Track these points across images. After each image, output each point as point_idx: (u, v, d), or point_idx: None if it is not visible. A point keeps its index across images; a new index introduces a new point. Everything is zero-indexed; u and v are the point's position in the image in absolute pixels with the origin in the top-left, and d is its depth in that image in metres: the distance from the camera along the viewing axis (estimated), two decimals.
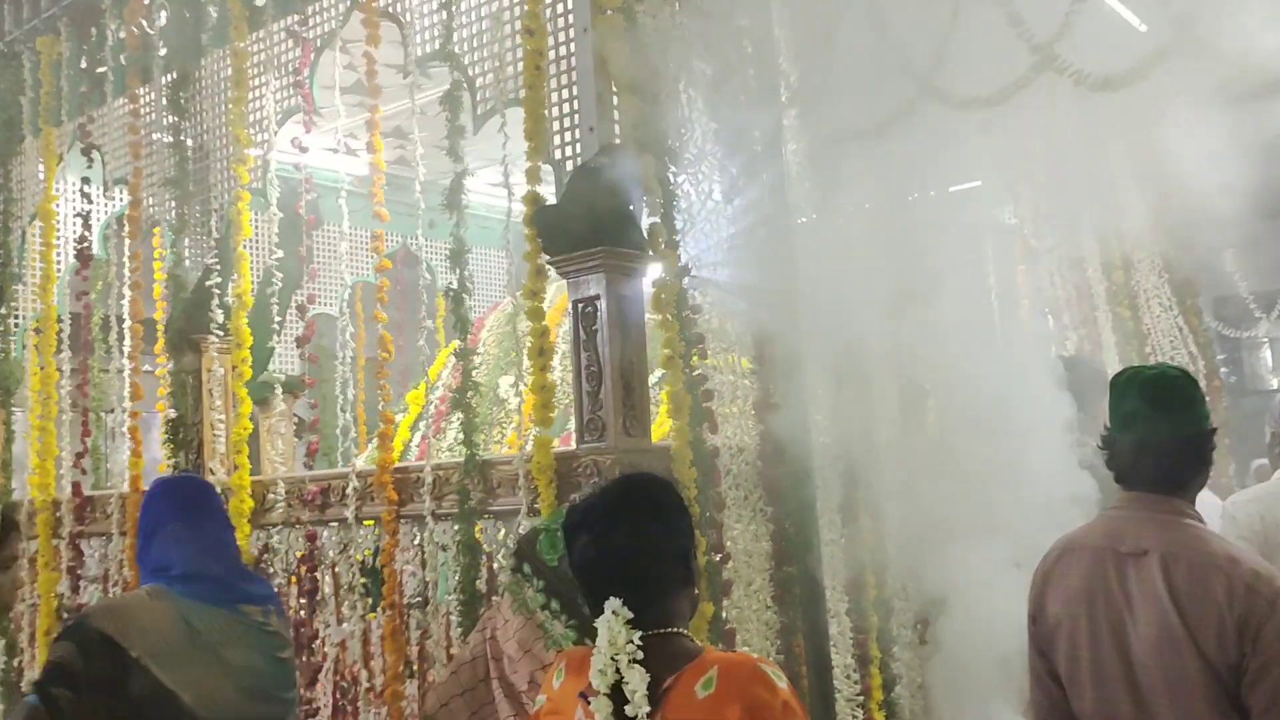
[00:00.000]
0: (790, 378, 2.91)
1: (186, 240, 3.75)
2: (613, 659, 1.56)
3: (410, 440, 4.74)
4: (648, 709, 1.53)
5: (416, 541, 3.05)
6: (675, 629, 1.62)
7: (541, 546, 2.46)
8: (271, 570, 3.42)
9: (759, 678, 1.54)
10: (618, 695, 1.55)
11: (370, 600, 3.14)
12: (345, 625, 3.19)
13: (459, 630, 2.92)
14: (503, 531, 2.87)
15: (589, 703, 1.59)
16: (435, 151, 3.15)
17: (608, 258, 2.68)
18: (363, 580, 3.18)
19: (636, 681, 1.54)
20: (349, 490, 3.15)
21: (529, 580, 2.44)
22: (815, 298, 3.08)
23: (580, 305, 2.72)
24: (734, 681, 1.54)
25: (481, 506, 2.87)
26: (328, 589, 3.25)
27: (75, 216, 4.19)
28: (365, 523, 3.17)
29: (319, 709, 3.19)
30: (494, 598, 2.86)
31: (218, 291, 3.64)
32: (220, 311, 3.63)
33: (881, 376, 3.18)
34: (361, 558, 3.16)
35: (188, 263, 3.76)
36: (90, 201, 4.18)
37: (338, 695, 3.19)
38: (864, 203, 3.07)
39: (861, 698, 3.00)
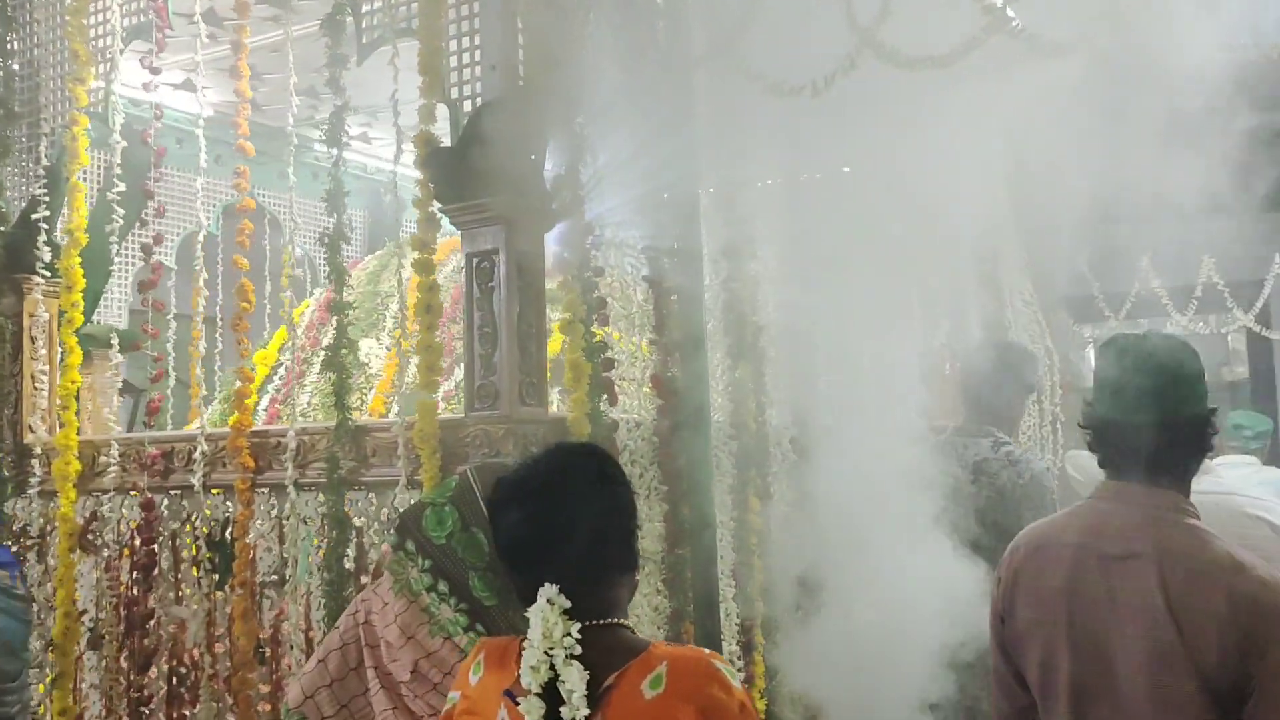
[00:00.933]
0: (691, 351, 2.75)
1: (8, 167, 3.30)
2: (547, 653, 1.36)
3: (257, 404, 4.37)
4: (586, 711, 1.34)
5: (274, 513, 2.76)
6: (616, 619, 1.44)
7: (428, 522, 2.21)
8: (100, 541, 3.05)
9: (713, 675, 1.37)
10: (551, 695, 1.36)
11: (216, 577, 2.83)
12: (186, 605, 2.87)
13: (322, 612, 2.65)
14: (375, 504, 2.61)
15: (516, 703, 1.38)
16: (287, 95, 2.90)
17: (509, 209, 2.46)
18: (208, 555, 2.86)
19: (575, 680, 1.35)
20: (196, 454, 2.82)
21: (413, 559, 2.19)
22: (720, 268, 2.94)
23: (475, 260, 2.48)
24: (686, 680, 1.36)
25: (353, 476, 2.61)
26: (165, 564, 2.91)
27: None
28: (213, 491, 2.86)
29: (151, 695, 2.86)
30: (364, 578, 2.60)
31: (45, 226, 3.21)
32: (48, 249, 3.21)
33: (780, 353, 3.06)
34: (208, 530, 2.84)
35: (9, 193, 3.30)
36: None
37: (174, 681, 2.87)
38: (773, 172, 2.94)
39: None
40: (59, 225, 3.21)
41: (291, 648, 2.69)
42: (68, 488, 3.03)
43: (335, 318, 2.71)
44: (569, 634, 1.37)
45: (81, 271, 3.10)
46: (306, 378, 4.29)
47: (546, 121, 2.51)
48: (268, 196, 5.36)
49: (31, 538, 3.16)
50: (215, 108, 3.66)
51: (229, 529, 2.82)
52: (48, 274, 3.24)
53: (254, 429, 2.80)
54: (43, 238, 3.20)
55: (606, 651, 1.38)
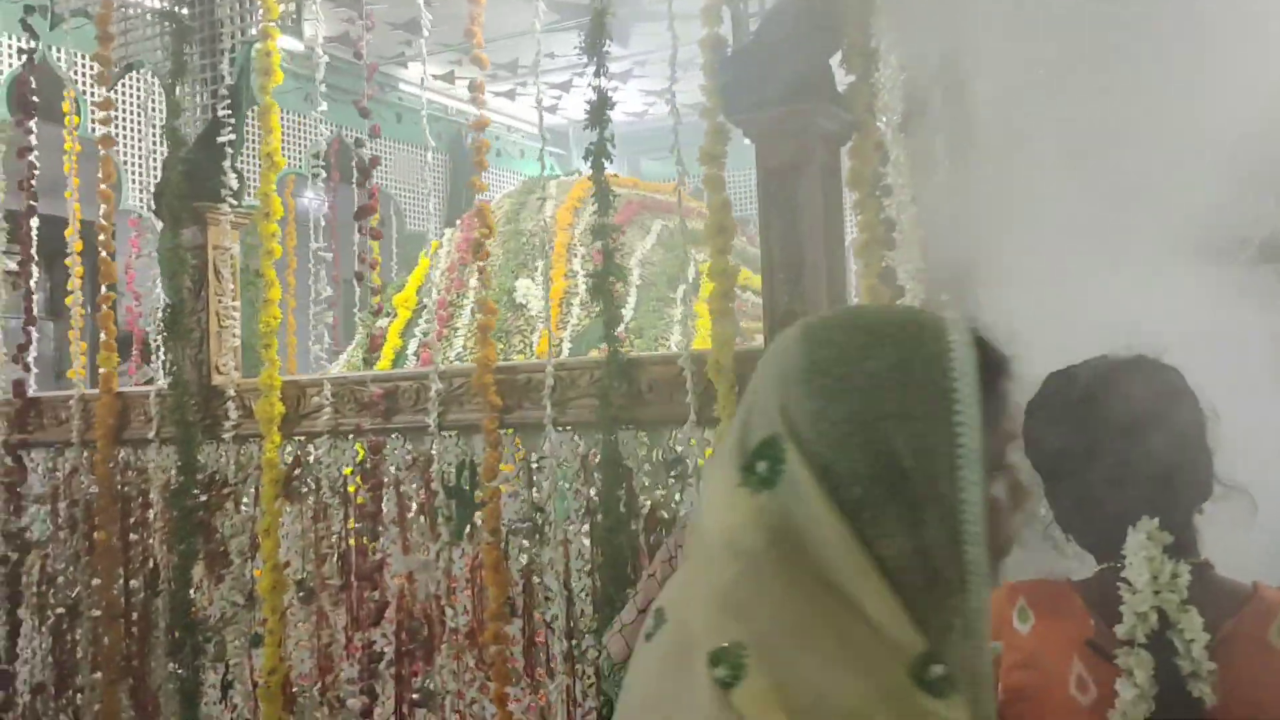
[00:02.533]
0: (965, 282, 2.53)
1: (184, 87, 3.05)
2: (1155, 594, 1.16)
3: (402, 348, 4.16)
4: (1211, 665, 1.14)
5: (522, 456, 2.55)
6: (1204, 558, 1.24)
7: None
8: (305, 489, 2.84)
9: None
10: (1159, 646, 1.16)
11: (452, 525, 2.62)
12: (417, 555, 2.67)
13: (582, 561, 2.45)
14: (648, 444, 2.40)
15: (1102, 655, 1.18)
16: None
17: (809, 119, 2.23)
18: (442, 502, 2.65)
19: (1195, 628, 1.15)
20: (431, 393, 2.60)
21: None
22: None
23: (772, 175, 2.26)
24: None
25: (624, 414, 2.40)
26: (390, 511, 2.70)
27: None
28: (448, 433, 2.64)
29: (383, 653, 2.66)
30: (634, 524, 2.40)
31: (231, 151, 2.97)
32: (234, 176, 2.97)
33: None
34: (443, 474, 2.63)
35: (186, 114, 3.05)
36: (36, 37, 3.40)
37: (404, 638, 2.67)
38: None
39: None
40: (242, 149, 2.98)
41: (545, 599, 2.49)
42: (272, 431, 2.81)
43: (602, 243, 2.46)
44: (1178, 575, 1.16)
45: (279, 199, 2.86)
46: (456, 320, 4.06)
47: (841, 24, 2.27)
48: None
49: (229, 484, 2.94)
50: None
51: (465, 473, 2.61)
52: (234, 203, 3.00)
53: (500, 365, 2.57)
54: (228, 163, 2.96)
55: (1208, 595, 1.19)
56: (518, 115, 7.27)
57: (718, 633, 0.79)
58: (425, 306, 4.19)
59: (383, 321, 4.30)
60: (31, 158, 3.42)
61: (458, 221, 4.78)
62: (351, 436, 2.78)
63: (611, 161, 2.46)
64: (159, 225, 3.05)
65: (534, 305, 3.97)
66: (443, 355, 3.93)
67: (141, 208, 4.52)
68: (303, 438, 2.85)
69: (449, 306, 4.11)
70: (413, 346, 4.08)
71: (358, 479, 2.76)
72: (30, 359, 3.37)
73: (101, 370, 3.15)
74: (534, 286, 4.03)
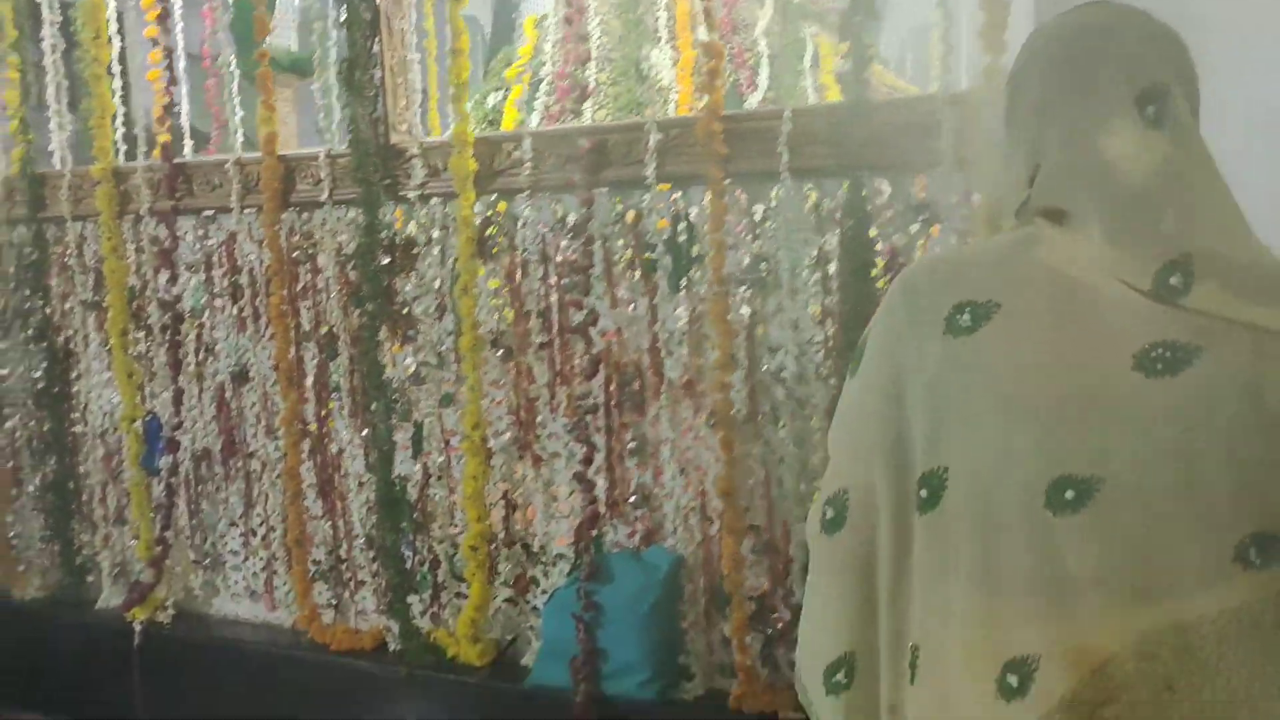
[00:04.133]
0: None
1: None
2: None
3: (522, 121, 4.05)
4: None
5: (746, 207, 2.53)
6: None
7: None
8: (495, 247, 2.82)
9: None
10: None
11: (665, 279, 2.62)
12: (626, 310, 2.67)
13: (813, 307, 2.48)
14: (890, 191, 2.39)
15: None
16: None
17: None
18: (649, 256, 2.64)
19: None
20: (650, 143, 2.55)
21: None
22: None
23: None
24: None
25: (868, 161, 2.37)
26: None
27: None
28: (660, 187, 2.61)
29: (596, 404, 2.71)
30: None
31: None
32: None
33: None
34: (656, 229, 2.61)
35: None
36: None
37: (610, 388, 2.71)
38: None
39: None
40: None
41: (773, 351, 2.52)
42: (467, 189, 2.76)
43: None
44: None
45: None
46: (582, 93, 3.95)
47: None
48: None
49: (417, 245, 2.91)
50: None
51: (682, 225, 2.59)
52: None
53: (727, 113, 2.52)
54: None
55: None
56: None
57: None
58: (542, 80, 4.07)
59: (495, 96, 4.18)
60: None
61: None
62: (549, 193, 2.74)
63: None
64: None
65: (664, 76, 3.87)
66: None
67: None
68: (494, 195, 2.81)
69: (568, 78, 3.99)
70: (535, 121, 3.97)
71: (558, 235, 2.73)
72: (178, 121, 3.26)
73: (262, 131, 3.05)
74: (663, 56, 3.91)
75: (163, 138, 3.23)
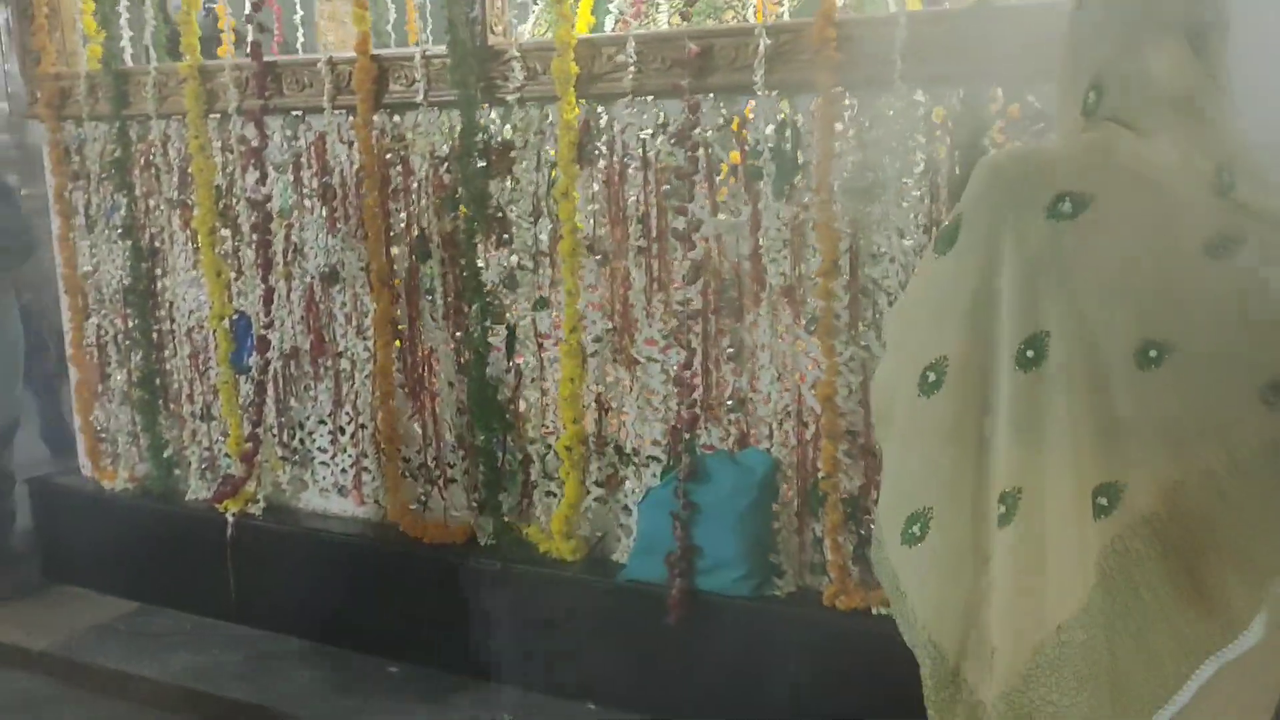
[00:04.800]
0: None
1: None
2: None
3: (596, 25, 4.00)
4: None
5: (856, 114, 2.54)
6: None
7: None
8: (595, 151, 2.83)
9: None
10: None
11: (769, 185, 2.63)
12: (727, 217, 2.70)
13: (919, 218, 2.50)
14: (1001, 100, 2.39)
15: None
16: None
17: None
18: (752, 163, 2.66)
19: None
20: (760, 48, 2.55)
21: None
22: None
23: None
24: None
25: (979, 70, 2.36)
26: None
27: None
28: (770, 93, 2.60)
29: (696, 310, 2.75)
30: None
31: None
32: None
33: None
34: (762, 135, 2.62)
35: None
36: None
37: (708, 293, 2.75)
38: None
39: None
40: None
41: (876, 258, 2.55)
42: (568, 92, 2.77)
43: None
44: None
45: None
46: None
47: None
48: None
49: (515, 148, 2.92)
50: None
51: (787, 131, 2.60)
52: None
53: (842, 19, 2.50)
54: None
55: None
56: None
57: None
58: None
59: None
60: None
61: None
62: (652, 98, 2.74)
63: None
64: None
65: None
66: (646, 31, 3.81)
67: None
68: (591, 99, 2.81)
69: None
70: (609, 24, 3.93)
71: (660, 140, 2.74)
72: (265, 20, 3.25)
73: (358, 30, 3.04)
74: None
75: (252, 37, 3.23)
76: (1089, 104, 1.42)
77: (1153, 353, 1.31)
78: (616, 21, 3.95)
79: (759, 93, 2.58)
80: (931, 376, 1.44)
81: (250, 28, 3.25)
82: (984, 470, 1.43)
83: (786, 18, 3.69)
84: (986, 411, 1.43)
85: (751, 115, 2.64)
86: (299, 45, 4.01)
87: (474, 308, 3.00)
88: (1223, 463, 1.31)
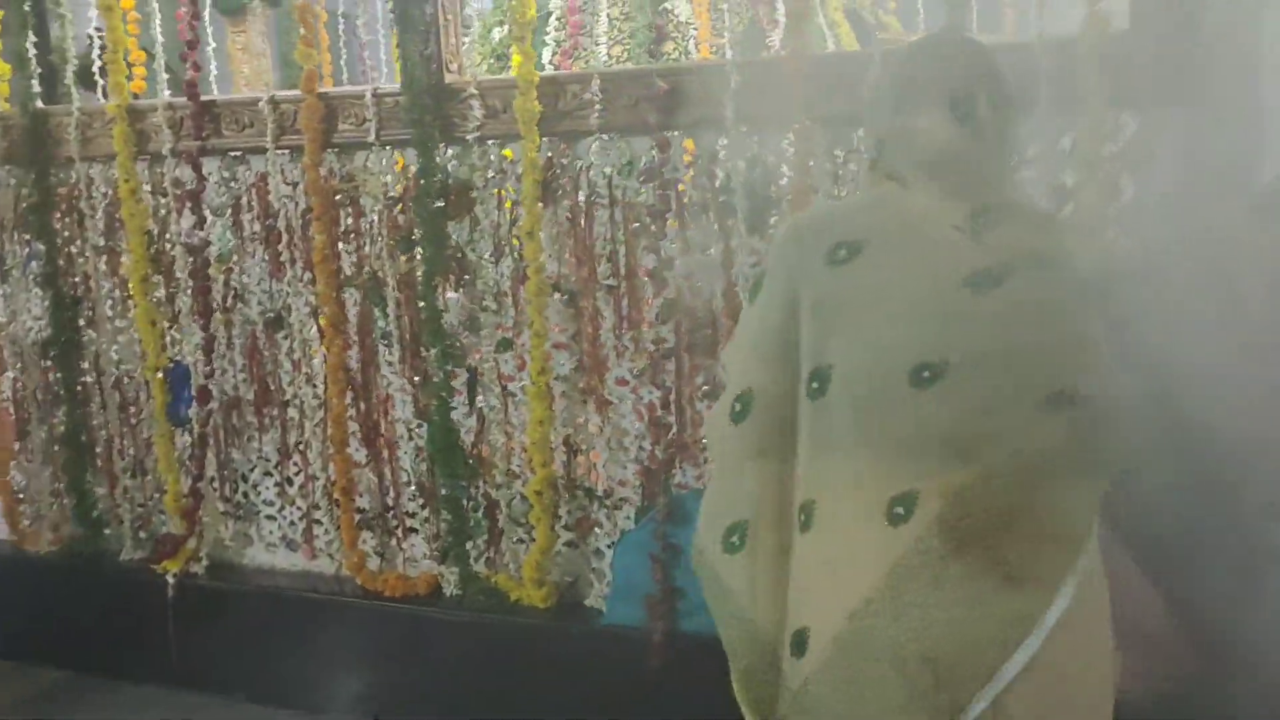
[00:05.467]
0: None
1: None
2: None
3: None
4: None
5: (822, 149, 2.54)
6: None
7: None
8: (559, 190, 2.78)
9: None
10: None
11: (740, 223, 2.62)
12: (698, 255, 2.67)
13: None
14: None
15: None
16: None
17: None
18: (723, 199, 2.64)
19: None
20: (731, 85, 2.54)
21: None
22: None
23: None
24: None
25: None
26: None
27: None
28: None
29: (671, 349, 2.71)
30: None
31: None
32: None
33: None
34: (733, 171, 2.61)
35: None
36: None
37: (683, 332, 2.72)
38: None
39: None
40: None
41: None
42: (532, 131, 2.72)
43: None
44: None
45: None
46: (594, 27, 3.89)
47: None
48: None
49: (475, 188, 2.85)
50: None
51: (758, 170, 2.60)
52: None
53: (817, 54, 2.51)
54: None
55: None
56: None
57: None
58: (550, 14, 3.98)
59: (500, 30, 4.07)
60: None
61: None
62: (617, 135, 2.71)
63: None
64: None
65: (681, 11, 3.82)
66: (586, 64, 3.79)
67: None
68: (555, 137, 2.77)
69: (580, 12, 3.91)
70: (546, 55, 3.89)
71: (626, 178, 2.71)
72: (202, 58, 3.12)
73: (304, 68, 2.93)
74: None
75: (187, 74, 3.09)
76: (873, 160, 1.67)
77: (926, 374, 1.50)
78: (554, 53, 3.92)
79: (729, 128, 2.57)
80: (738, 406, 1.68)
81: (183, 65, 3.10)
82: (789, 486, 1.66)
83: (728, 50, 3.71)
84: (796, 433, 1.65)
85: (722, 152, 2.62)
86: (212, 79, 3.86)
87: (434, 351, 2.91)
88: (1005, 463, 1.50)
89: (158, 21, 3.21)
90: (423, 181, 2.84)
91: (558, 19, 3.95)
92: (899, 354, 1.54)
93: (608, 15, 3.84)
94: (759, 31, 3.71)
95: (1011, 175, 1.67)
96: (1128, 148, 2.30)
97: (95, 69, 3.45)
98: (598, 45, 3.81)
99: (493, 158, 2.83)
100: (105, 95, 3.27)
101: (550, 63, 3.89)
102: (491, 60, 4.02)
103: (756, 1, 3.81)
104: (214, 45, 3.82)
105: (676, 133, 2.65)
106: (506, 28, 4.09)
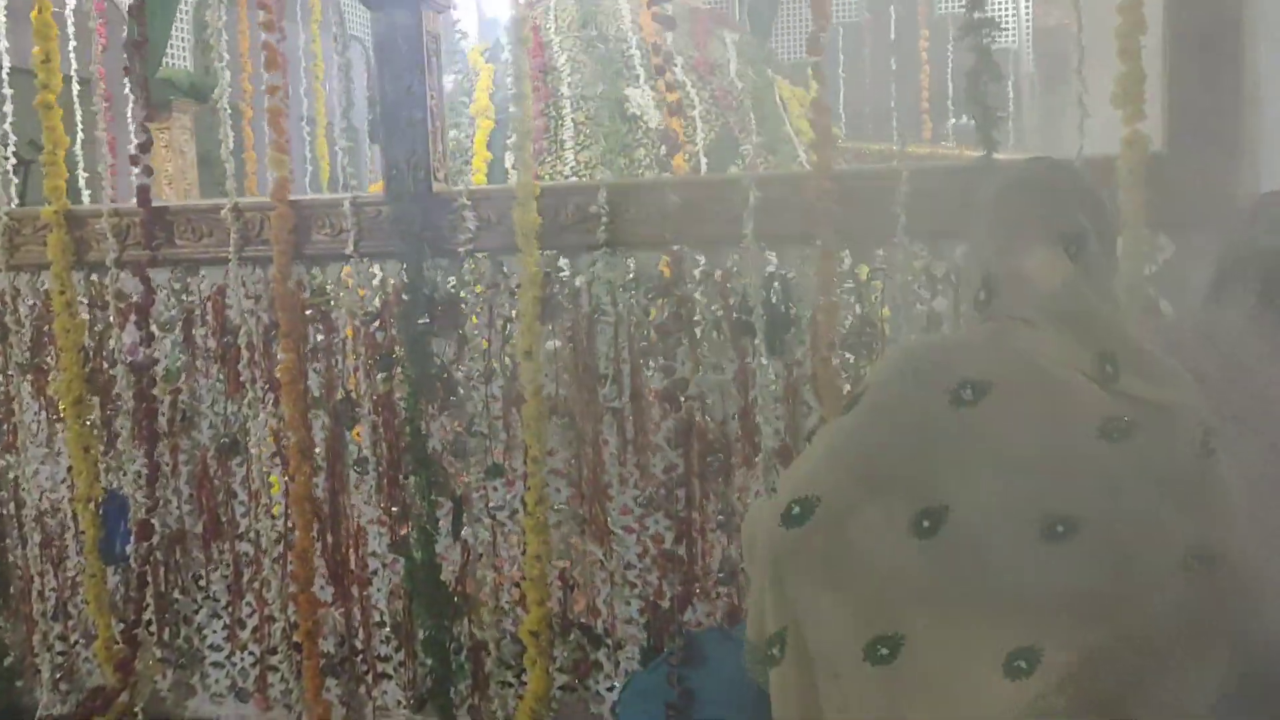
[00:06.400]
0: None
1: None
2: None
3: (492, 160, 3.81)
4: None
5: (849, 267, 2.44)
6: None
7: None
8: (558, 298, 2.61)
9: None
10: None
11: (759, 342, 2.49)
12: (711, 375, 2.52)
13: None
14: None
15: None
16: None
17: None
18: (739, 317, 2.51)
19: None
20: (750, 200, 2.42)
21: None
22: None
23: None
24: None
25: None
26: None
27: None
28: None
29: (674, 466, 2.53)
30: None
31: None
32: None
33: None
34: (747, 289, 2.48)
35: None
36: None
37: (695, 456, 2.55)
38: None
39: None
40: None
41: None
42: (531, 245, 2.55)
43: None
44: None
45: None
46: (560, 131, 3.77)
47: None
48: None
49: (466, 301, 2.65)
50: None
51: (775, 286, 2.47)
52: None
53: (837, 171, 2.41)
54: None
55: None
56: None
57: None
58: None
59: (455, 132, 3.91)
60: None
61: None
62: (619, 249, 2.55)
63: None
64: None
65: (650, 118, 3.72)
66: (552, 169, 3.65)
67: None
68: (553, 251, 2.60)
69: (544, 116, 3.78)
70: (510, 160, 3.73)
71: (631, 296, 2.56)
72: (151, 161, 2.86)
73: (274, 176, 2.71)
74: (644, 96, 3.76)
75: (138, 180, 2.83)
76: (980, 301, 1.60)
77: (1060, 528, 1.42)
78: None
79: (748, 245, 2.44)
80: (796, 510, 1.53)
81: (136, 169, 2.84)
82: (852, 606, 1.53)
83: (701, 156, 3.63)
84: (901, 567, 1.51)
85: (735, 268, 2.49)
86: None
87: (415, 478, 2.67)
88: (1142, 626, 1.42)
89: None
90: (410, 296, 2.63)
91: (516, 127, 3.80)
92: (1030, 504, 1.45)
93: (573, 120, 3.72)
94: (732, 140, 3.64)
95: (1131, 317, 1.64)
96: (1164, 270, 2.25)
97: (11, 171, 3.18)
98: (565, 152, 3.68)
99: (486, 269, 2.64)
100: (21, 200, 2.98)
101: (513, 166, 3.74)
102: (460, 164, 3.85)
103: (725, 109, 3.75)
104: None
105: (686, 249, 2.51)
106: (462, 131, 3.95)
